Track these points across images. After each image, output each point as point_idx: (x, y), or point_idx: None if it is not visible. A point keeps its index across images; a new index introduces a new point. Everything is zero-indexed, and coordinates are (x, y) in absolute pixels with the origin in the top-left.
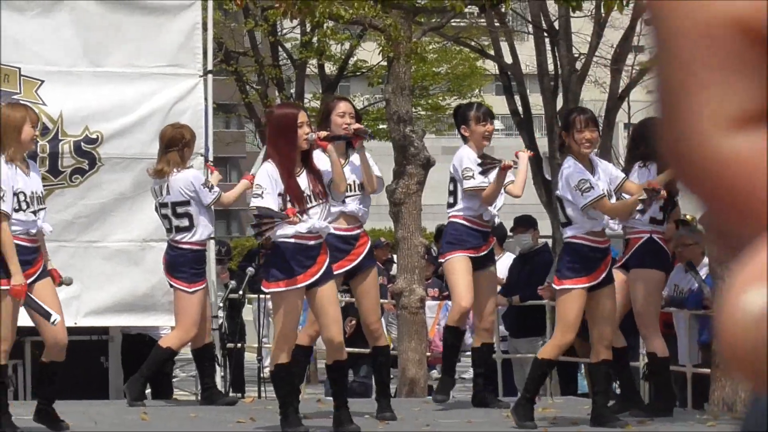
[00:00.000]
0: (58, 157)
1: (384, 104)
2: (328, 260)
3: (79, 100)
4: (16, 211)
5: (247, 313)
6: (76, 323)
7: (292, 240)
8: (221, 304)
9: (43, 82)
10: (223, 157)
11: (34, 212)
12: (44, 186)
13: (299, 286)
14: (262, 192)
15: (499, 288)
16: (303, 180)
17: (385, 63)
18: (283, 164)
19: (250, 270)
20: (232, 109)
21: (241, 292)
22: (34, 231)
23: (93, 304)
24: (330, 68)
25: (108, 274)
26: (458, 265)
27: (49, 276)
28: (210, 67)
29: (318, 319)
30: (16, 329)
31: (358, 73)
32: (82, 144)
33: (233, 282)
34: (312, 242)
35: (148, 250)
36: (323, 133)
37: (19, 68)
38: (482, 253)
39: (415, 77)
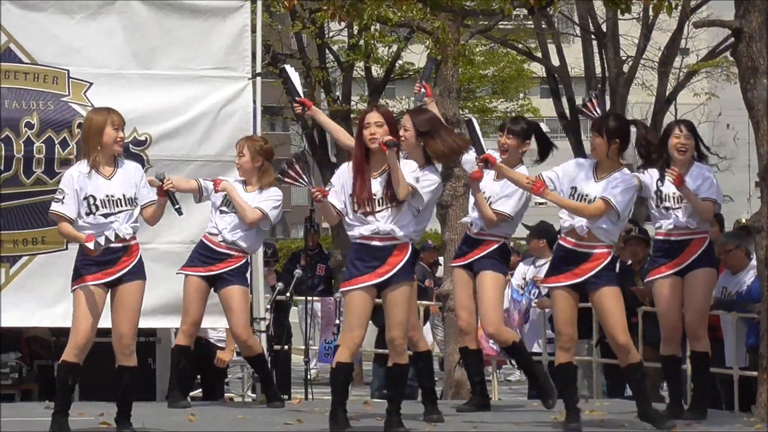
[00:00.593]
0: None
1: None
2: (403, 263)
3: (127, 102)
4: (87, 214)
5: (294, 315)
6: None
7: (359, 241)
8: (268, 306)
9: (91, 84)
10: None
11: (106, 215)
12: None
13: (362, 285)
14: (330, 189)
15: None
16: (379, 182)
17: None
18: (353, 165)
19: (298, 272)
20: (279, 112)
21: (287, 295)
22: (108, 233)
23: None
24: (377, 71)
25: (156, 276)
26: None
27: (136, 281)
28: (258, 69)
29: (385, 320)
30: (88, 328)
31: (405, 76)
32: (131, 146)
33: (280, 284)
34: (378, 243)
35: None
36: (387, 138)
37: (68, 70)
38: (469, 260)
39: (461, 79)
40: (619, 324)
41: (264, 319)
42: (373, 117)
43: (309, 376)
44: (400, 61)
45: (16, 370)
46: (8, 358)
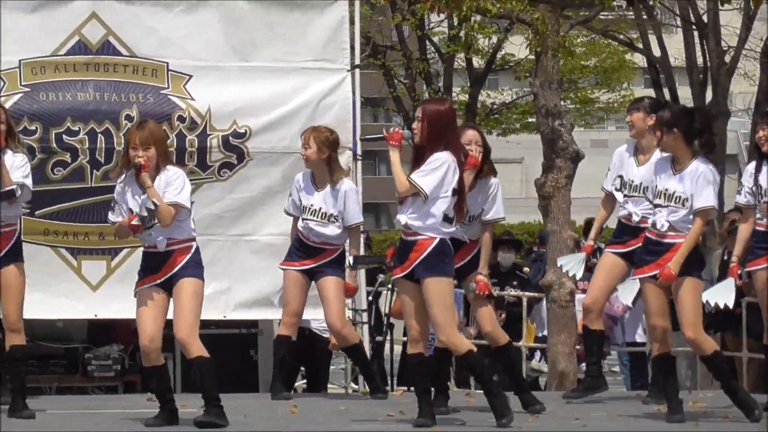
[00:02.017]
0: (206, 152)
1: (532, 98)
2: (421, 259)
3: (227, 94)
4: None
5: None
6: (225, 316)
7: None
8: (370, 298)
9: (191, 77)
10: (371, 150)
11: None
12: (192, 180)
13: (395, 276)
14: None
15: None
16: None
17: (532, 57)
18: None
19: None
20: (380, 103)
21: (390, 286)
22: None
23: (242, 298)
24: (478, 62)
25: (257, 268)
26: (602, 262)
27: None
28: (357, 61)
29: None
30: (145, 333)
31: (505, 67)
32: (231, 138)
33: (382, 276)
34: (405, 238)
35: None
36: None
37: (167, 63)
38: (630, 248)
39: (563, 70)
40: (687, 317)
41: (365, 310)
42: (418, 111)
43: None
44: (501, 52)
45: (118, 362)
46: (111, 350)
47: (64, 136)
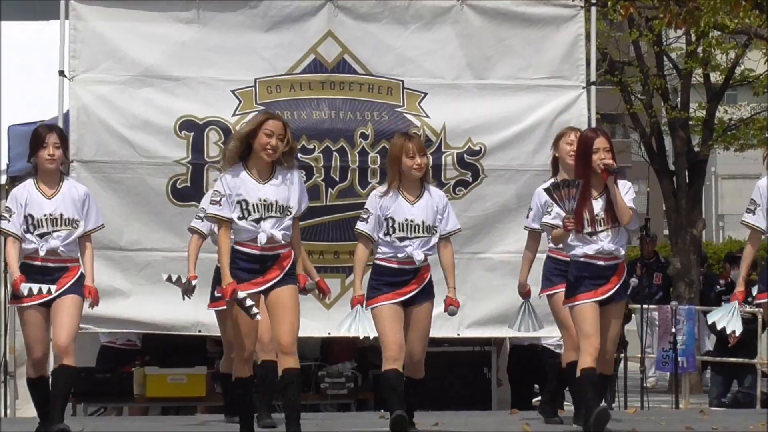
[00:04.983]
0: (441, 169)
1: None
2: (622, 282)
3: (462, 112)
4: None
5: (631, 324)
6: (458, 334)
7: (582, 260)
8: None
9: (426, 94)
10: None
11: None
12: None
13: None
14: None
15: None
16: (599, 203)
17: None
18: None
19: (633, 281)
20: (618, 119)
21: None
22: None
23: (476, 316)
24: (715, 78)
25: (491, 286)
26: None
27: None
28: (593, 78)
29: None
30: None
31: (744, 82)
32: (465, 156)
33: None
34: (602, 263)
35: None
36: (607, 163)
37: (402, 81)
38: None
39: None
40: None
41: None
42: (602, 143)
43: (645, 385)
44: (740, 68)
45: (351, 379)
46: (344, 367)
47: (299, 155)
